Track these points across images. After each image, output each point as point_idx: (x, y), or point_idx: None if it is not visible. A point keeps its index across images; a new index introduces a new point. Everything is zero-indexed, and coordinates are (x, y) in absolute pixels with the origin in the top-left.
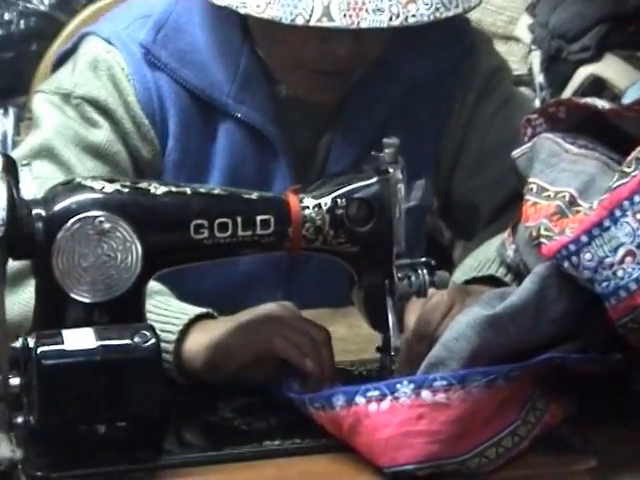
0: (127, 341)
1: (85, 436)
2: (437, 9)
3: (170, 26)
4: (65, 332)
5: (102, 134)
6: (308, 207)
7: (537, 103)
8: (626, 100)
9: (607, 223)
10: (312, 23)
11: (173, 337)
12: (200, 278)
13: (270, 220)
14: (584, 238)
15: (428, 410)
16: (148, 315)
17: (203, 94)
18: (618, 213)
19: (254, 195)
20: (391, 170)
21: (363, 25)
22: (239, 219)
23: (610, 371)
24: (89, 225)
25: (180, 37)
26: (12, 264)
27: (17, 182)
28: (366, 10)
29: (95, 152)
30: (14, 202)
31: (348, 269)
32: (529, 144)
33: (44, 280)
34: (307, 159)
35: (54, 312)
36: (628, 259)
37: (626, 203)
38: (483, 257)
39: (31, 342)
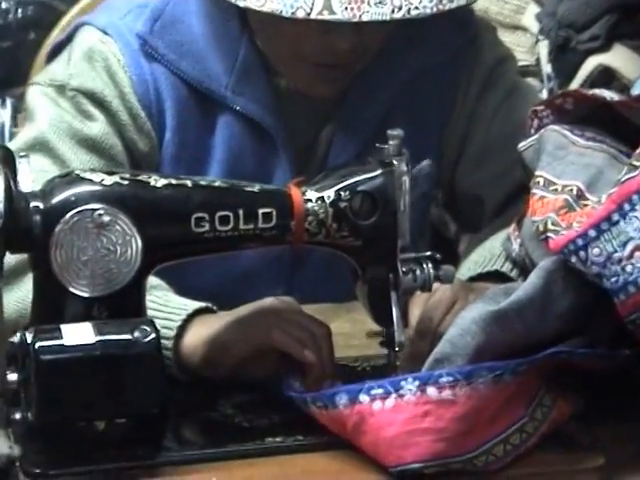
0: (127, 336)
1: (84, 432)
2: (440, 1)
3: (167, 16)
4: (64, 327)
5: (97, 127)
6: (311, 200)
7: (544, 94)
8: (635, 91)
9: (616, 217)
10: (313, 16)
11: (172, 333)
12: (200, 273)
13: (272, 213)
14: (592, 232)
15: (434, 407)
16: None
17: (201, 86)
18: (627, 207)
19: (256, 188)
20: (395, 162)
21: (365, 18)
22: (240, 212)
23: (618, 367)
24: (88, 218)
25: (177, 28)
26: (8, 260)
27: (15, 174)
28: (368, 3)
29: (91, 145)
30: (12, 194)
31: (351, 263)
32: (535, 136)
33: (42, 274)
34: (308, 152)
35: (52, 307)
36: (637, 254)
37: (635, 197)
38: (488, 253)
39: (29, 337)
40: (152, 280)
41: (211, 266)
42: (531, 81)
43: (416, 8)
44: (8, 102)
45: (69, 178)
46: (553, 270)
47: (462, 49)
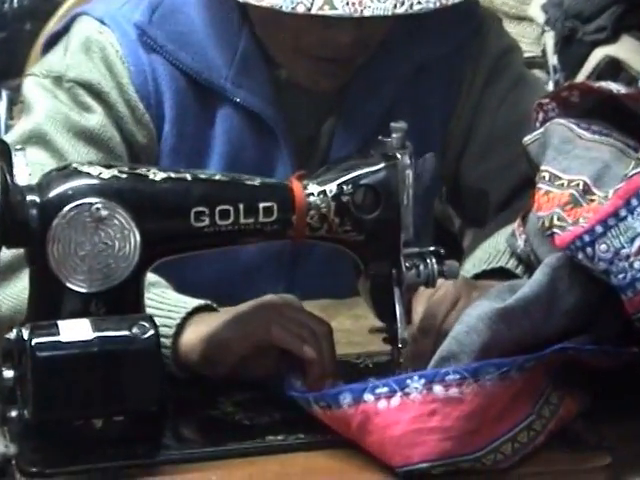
0: (125, 332)
1: (81, 431)
2: None
3: (166, 6)
4: (61, 323)
5: (95, 119)
6: (313, 194)
7: (550, 86)
8: None
9: (623, 213)
10: (314, 11)
11: (170, 331)
12: (200, 268)
13: (273, 207)
14: (599, 228)
15: (441, 405)
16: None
17: (200, 77)
18: (635, 202)
19: (256, 181)
20: (399, 155)
21: (367, 13)
22: (241, 206)
23: (625, 365)
24: (85, 212)
25: (177, 18)
26: (3, 256)
27: (11, 168)
28: None
29: (88, 137)
30: (7, 188)
31: (354, 258)
32: (541, 130)
33: (39, 269)
34: (309, 145)
35: (49, 302)
36: None
37: None
38: (493, 249)
39: (25, 333)
40: (150, 277)
41: (211, 261)
42: (537, 73)
43: (419, 3)
44: (3, 94)
45: (66, 171)
46: (559, 267)
47: (467, 40)
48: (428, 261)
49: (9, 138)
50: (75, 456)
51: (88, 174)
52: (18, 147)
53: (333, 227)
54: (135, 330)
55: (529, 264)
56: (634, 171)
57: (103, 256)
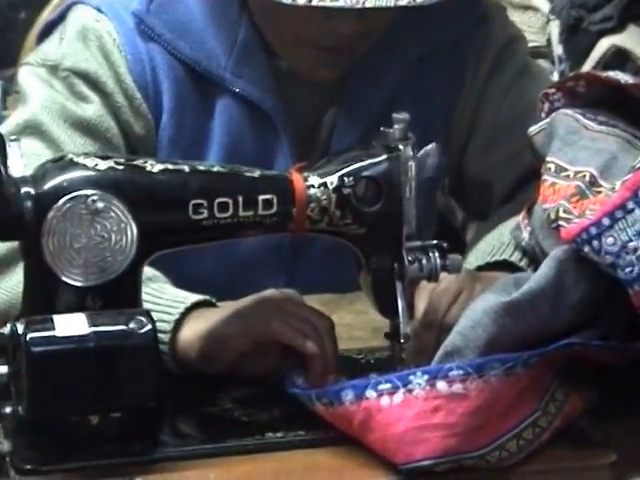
0: (122, 327)
1: (77, 427)
2: None
3: None
4: (56, 317)
5: (92, 109)
6: (313, 186)
7: (555, 76)
8: None
9: (631, 205)
10: (315, 3)
11: (169, 327)
12: (198, 262)
13: (273, 200)
14: (606, 221)
15: (444, 402)
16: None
17: (199, 67)
18: None
19: (256, 173)
20: (401, 147)
21: (368, 4)
22: (240, 198)
23: (632, 361)
24: (81, 204)
25: (175, 7)
26: None
27: (5, 159)
28: None
29: (85, 128)
30: (2, 180)
31: (355, 252)
32: (547, 120)
33: (34, 263)
34: (310, 136)
35: (44, 296)
36: None
37: None
38: (497, 241)
39: (20, 328)
40: (148, 271)
41: (209, 255)
42: (542, 63)
43: None
44: None
45: (62, 163)
46: (565, 260)
47: (471, 29)
48: (431, 255)
49: (3, 129)
50: (71, 453)
51: (84, 165)
52: (12, 138)
53: (334, 220)
54: (132, 325)
55: (534, 257)
56: None
57: (99, 249)
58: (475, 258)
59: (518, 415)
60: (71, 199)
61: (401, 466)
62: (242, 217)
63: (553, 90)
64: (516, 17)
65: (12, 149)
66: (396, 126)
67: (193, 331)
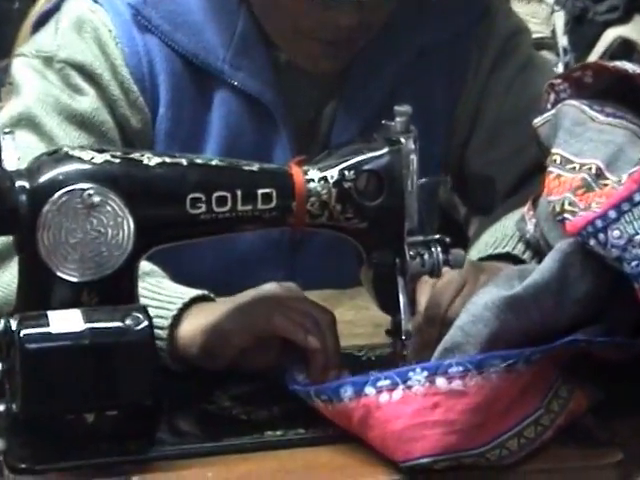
0: (118, 324)
1: (72, 426)
2: None
3: None
4: (51, 314)
5: (87, 102)
6: (313, 180)
7: (560, 67)
8: None
9: (637, 197)
10: None
11: (166, 323)
12: (196, 257)
13: (272, 194)
14: (612, 214)
15: (444, 398)
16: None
17: (196, 59)
18: None
19: (255, 167)
20: (403, 140)
21: None
22: (239, 192)
23: (638, 357)
24: (77, 198)
25: None
26: None
27: None
28: None
29: (80, 121)
30: None
31: (356, 247)
32: (552, 111)
33: (28, 257)
34: (309, 130)
35: (39, 292)
36: None
37: None
38: (500, 233)
39: (14, 324)
40: (145, 266)
41: (208, 250)
42: (546, 54)
43: None
44: None
45: (57, 156)
46: (570, 253)
47: (473, 22)
48: (433, 250)
49: None
50: (66, 452)
51: (80, 159)
52: (7, 130)
53: (334, 214)
54: (128, 321)
55: (538, 250)
56: None
57: (95, 244)
58: (477, 251)
59: (520, 413)
60: (67, 193)
61: (400, 463)
62: (241, 211)
63: (559, 80)
64: (520, 8)
65: (6, 142)
66: (398, 119)
67: (193, 326)
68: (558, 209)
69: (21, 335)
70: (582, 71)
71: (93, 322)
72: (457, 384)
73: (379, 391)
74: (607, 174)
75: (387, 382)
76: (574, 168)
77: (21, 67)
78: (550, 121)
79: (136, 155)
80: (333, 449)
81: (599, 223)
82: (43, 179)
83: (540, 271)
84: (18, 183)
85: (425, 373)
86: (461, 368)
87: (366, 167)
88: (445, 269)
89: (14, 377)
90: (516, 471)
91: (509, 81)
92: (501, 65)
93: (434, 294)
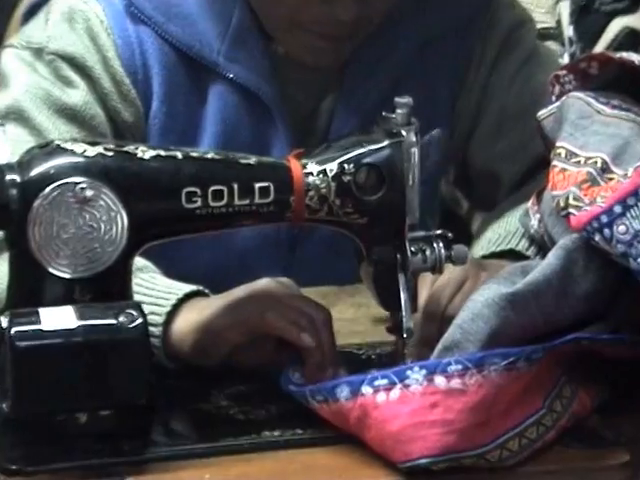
0: (111, 321)
1: (64, 426)
2: None
3: None
4: (42, 311)
5: (78, 95)
6: (312, 173)
7: (566, 59)
8: None
9: None
10: None
11: (160, 319)
12: (192, 253)
13: (270, 188)
14: (618, 208)
15: (442, 398)
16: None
17: (191, 51)
18: None
19: (252, 160)
20: (404, 133)
21: None
22: (235, 186)
23: None
24: (69, 192)
25: None
26: None
27: None
28: None
29: (70, 115)
30: None
31: (356, 242)
32: (557, 104)
33: (19, 253)
34: (307, 124)
35: (30, 289)
36: None
37: None
38: (503, 230)
39: (4, 322)
40: (138, 261)
41: (203, 246)
42: (551, 45)
43: None
44: None
45: (49, 149)
46: (574, 249)
47: (476, 14)
48: (435, 245)
49: None
50: (58, 453)
51: (72, 152)
52: None
53: (334, 209)
54: (122, 318)
55: (542, 245)
56: None
57: (88, 239)
58: (480, 248)
59: (521, 413)
60: (58, 187)
61: (399, 465)
62: (238, 206)
63: (564, 72)
64: None
65: None
66: (399, 111)
67: (186, 323)
68: (562, 204)
69: (12, 333)
70: (588, 62)
71: (86, 319)
72: (456, 383)
73: (376, 390)
74: (613, 168)
75: (384, 381)
76: (579, 162)
77: (10, 59)
78: (555, 114)
79: (130, 148)
80: (332, 450)
81: (604, 218)
82: (34, 173)
83: (542, 268)
84: (8, 177)
85: (423, 372)
86: (460, 366)
87: (366, 160)
88: (447, 266)
89: (5, 376)
90: (518, 473)
91: (513, 74)
92: (504, 58)
93: (435, 290)
